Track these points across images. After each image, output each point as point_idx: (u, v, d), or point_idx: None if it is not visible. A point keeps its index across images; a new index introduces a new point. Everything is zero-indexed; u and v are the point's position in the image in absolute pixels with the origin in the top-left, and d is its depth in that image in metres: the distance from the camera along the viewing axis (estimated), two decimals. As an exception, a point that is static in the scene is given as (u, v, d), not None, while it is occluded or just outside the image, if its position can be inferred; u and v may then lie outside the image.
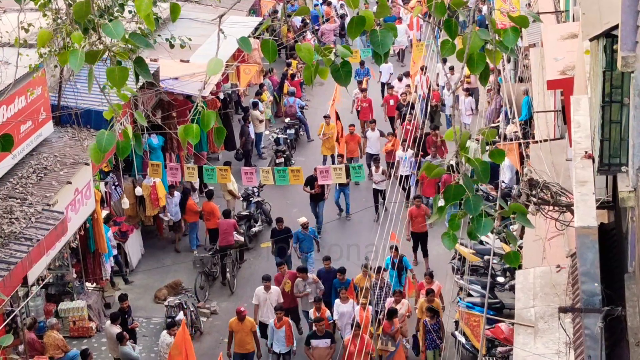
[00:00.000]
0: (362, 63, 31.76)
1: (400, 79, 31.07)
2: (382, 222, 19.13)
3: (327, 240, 23.62)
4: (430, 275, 19.42)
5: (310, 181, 23.43)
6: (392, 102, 29.29)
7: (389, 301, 18.70)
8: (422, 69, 28.74)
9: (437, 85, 30.19)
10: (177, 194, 23.25)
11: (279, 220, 21.92)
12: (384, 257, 19.21)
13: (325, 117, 26.65)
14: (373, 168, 24.94)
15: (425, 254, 22.39)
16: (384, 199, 23.96)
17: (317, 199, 23.99)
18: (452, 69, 28.61)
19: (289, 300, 19.57)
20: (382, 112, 30.05)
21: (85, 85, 18.77)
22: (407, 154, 24.40)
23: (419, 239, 22.44)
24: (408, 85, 29.72)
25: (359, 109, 29.28)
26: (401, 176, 24.32)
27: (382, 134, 26.86)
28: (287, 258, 21.49)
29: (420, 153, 24.44)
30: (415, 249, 22.59)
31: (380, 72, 32.14)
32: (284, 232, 21.75)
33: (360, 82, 31.47)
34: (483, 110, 29.00)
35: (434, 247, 22.21)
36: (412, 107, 24.80)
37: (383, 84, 31.90)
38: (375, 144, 26.50)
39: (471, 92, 29.14)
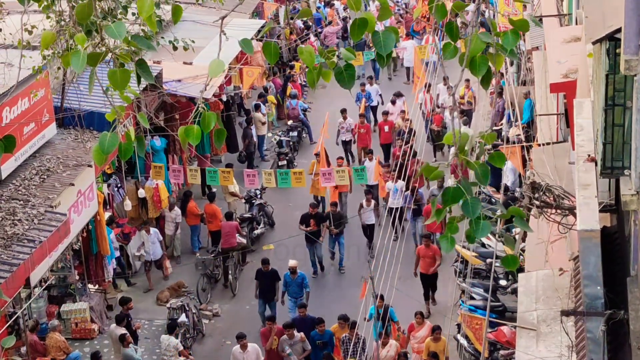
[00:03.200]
0: (362, 84, 30.34)
1: (393, 102, 29.11)
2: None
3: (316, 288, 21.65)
4: (421, 315, 18.23)
5: (306, 219, 22.05)
6: (386, 128, 27.34)
7: (374, 347, 17.13)
8: (425, 86, 27.51)
9: (439, 106, 28.78)
10: (154, 231, 21.65)
11: (265, 263, 20.17)
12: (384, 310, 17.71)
13: (316, 154, 24.14)
14: (364, 200, 22.87)
15: (434, 289, 20.77)
16: (372, 235, 22.85)
17: (313, 240, 21.94)
18: (450, 87, 28.03)
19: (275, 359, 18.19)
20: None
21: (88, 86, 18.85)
22: (398, 184, 22.61)
23: (429, 283, 20.59)
24: (403, 111, 28.08)
25: (356, 135, 27.45)
26: (391, 209, 22.06)
27: (382, 165, 24.97)
28: (274, 308, 20.07)
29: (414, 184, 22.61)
30: (426, 296, 20.70)
31: (369, 94, 30.45)
32: (269, 274, 20.16)
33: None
34: (485, 113, 29.00)
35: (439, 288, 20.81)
36: (409, 133, 23.10)
37: (370, 107, 30.18)
38: (372, 175, 23.91)
39: (466, 114, 27.70)
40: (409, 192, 22.12)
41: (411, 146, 22.47)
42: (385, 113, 27.74)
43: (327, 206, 23.96)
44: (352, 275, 22.13)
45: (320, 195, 24.50)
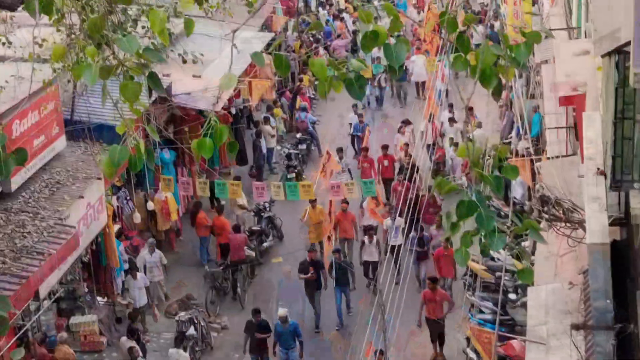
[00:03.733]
0: (360, 116, 29.11)
1: (402, 132, 27.56)
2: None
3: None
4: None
5: (304, 266, 20.75)
6: (386, 162, 25.86)
7: None
8: (429, 116, 26.06)
9: (442, 135, 27.46)
10: (141, 276, 20.53)
11: (257, 312, 19.09)
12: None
13: (311, 201, 22.22)
14: (366, 238, 21.85)
15: (442, 342, 19.67)
16: (374, 273, 21.42)
17: (312, 289, 20.67)
18: (452, 120, 27.45)
19: None
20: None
21: (98, 99, 18.90)
22: (397, 222, 21.53)
23: (436, 329, 19.44)
24: (406, 144, 26.57)
25: (359, 169, 26.22)
26: (392, 247, 20.40)
27: (384, 204, 23.68)
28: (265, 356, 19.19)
29: (421, 225, 21.68)
30: (433, 340, 19.61)
31: (351, 123, 29.21)
32: (260, 325, 19.11)
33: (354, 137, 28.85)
34: (495, 126, 28.98)
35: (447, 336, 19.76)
36: (413, 169, 22.06)
37: (353, 137, 28.97)
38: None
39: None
40: (414, 232, 21.18)
41: (411, 179, 21.18)
42: (385, 147, 26.18)
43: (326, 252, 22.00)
44: (354, 323, 20.40)
45: (319, 241, 22.71)
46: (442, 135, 27.43)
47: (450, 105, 28.64)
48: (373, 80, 32.45)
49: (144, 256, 21.14)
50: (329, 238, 21.69)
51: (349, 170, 26.18)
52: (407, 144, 26.52)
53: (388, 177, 25.71)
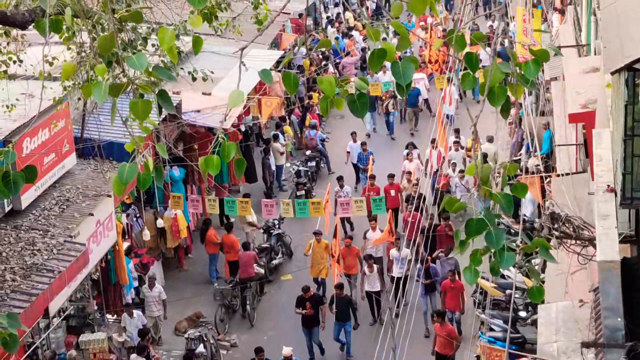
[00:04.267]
0: (363, 144, 28.17)
1: (409, 158, 26.75)
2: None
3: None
4: None
5: (301, 301, 20.15)
6: (392, 192, 24.89)
7: None
8: (432, 142, 25.68)
9: (449, 161, 26.67)
10: (138, 314, 19.83)
11: (259, 351, 18.52)
12: None
13: (315, 233, 21.89)
14: (366, 268, 21.10)
15: None
16: (378, 304, 21.20)
17: (310, 325, 20.09)
18: (457, 142, 27.03)
19: None
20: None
21: (108, 117, 18.92)
22: (403, 253, 20.90)
23: None
24: (409, 173, 25.88)
25: (365, 197, 24.50)
26: (397, 279, 20.23)
27: (392, 235, 22.35)
28: None
29: (427, 257, 21.09)
30: None
31: (349, 152, 28.16)
32: None
33: (358, 170, 28.10)
34: (504, 143, 28.96)
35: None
36: (420, 199, 21.70)
37: (354, 166, 28.20)
38: (370, 245, 22.32)
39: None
40: (420, 265, 20.59)
41: (419, 209, 20.94)
42: (391, 176, 25.35)
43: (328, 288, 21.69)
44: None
45: (321, 278, 22.20)
46: (449, 161, 26.70)
47: (457, 131, 28.05)
48: (380, 105, 32.03)
49: (143, 290, 20.76)
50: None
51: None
52: (410, 172, 25.81)
53: (395, 207, 24.67)
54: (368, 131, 31.96)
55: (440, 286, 20.55)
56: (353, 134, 28.41)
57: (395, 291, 19.88)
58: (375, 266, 21.05)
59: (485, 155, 27.14)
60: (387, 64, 5.09)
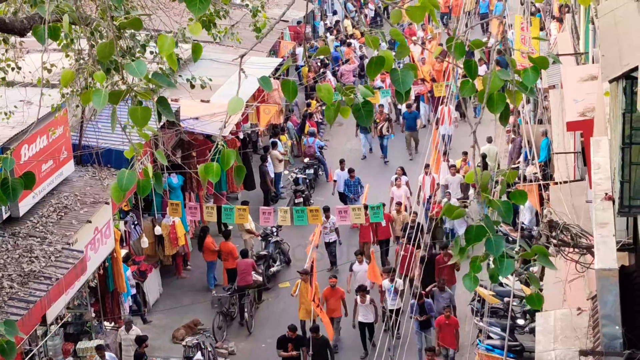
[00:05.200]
0: (350, 171, 26.39)
1: (397, 184, 25.24)
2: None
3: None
4: None
5: (284, 342, 19.42)
6: (383, 222, 23.20)
7: None
8: (425, 167, 24.56)
9: (443, 185, 25.37)
10: (110, 356, 18.72)
11: None
12: None
13: (301, 272, 20.51)
14: (358, 297, 20.25)
15: None
16: (371, 335, 20.51)
17: None
18: (453, 167, 25.84)
19: None
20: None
21: (106, 124, 18.98)
22: (396, 283, 20.10)
23: None
24: (399, 203, 24.24)
25: (357, 227, 23.99)
26: (389, 311, 19.75)
27: (384, 271, 21.45)
28: None
29: (421, 290, 20.18)
30: None
31: (336, 180, 26.77)
32: None
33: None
34: (503, 151, 28.99)
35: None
36: (417, 229, 20.95)
37: (341, 195, 26.64)
38: (362, 279, 21.28)
39: (463, 190, 25.50)
40: (414, 300, 19.61)
41: (413, 241, 19.99)
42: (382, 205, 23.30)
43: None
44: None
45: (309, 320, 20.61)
46: (445, 186, 25.42)
47: (464, 153, 27.24)
48: (374, 129, 30.29)
49: (120, 334, 20.05)
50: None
51: (336, 230, 23.74)
52: (399, 203, 24.23)
53: (385, 239, 23.60)
54: (364, 154, 30.83)
55: (435, 322, 19.75)
56: (342, 162, 27.00)
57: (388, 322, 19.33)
58: (367, 297, 20.24)
59: (484, 157, 27.14)
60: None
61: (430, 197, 24.57)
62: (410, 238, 20.25)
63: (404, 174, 25.92)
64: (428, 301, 20.01)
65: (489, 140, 27.26)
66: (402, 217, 23.77)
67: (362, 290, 20.36)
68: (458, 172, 25.85)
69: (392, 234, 23.87)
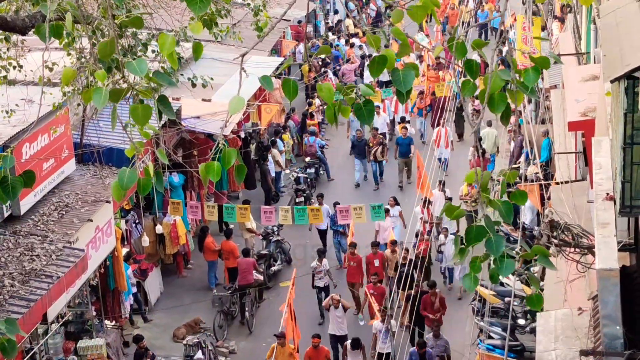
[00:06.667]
0: (336, 204, 22.60)
1: (387, 211, 22.45)
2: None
3: None
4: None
5: None
6: (376, 262, 21.64)
7: None
8: (422, 200, 22.80)
9: (431, 221, 23.33)
10: None
11: None
12: None
13: (277, 336, 18.60)
14: (347, 343, 19.10)
15: None
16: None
17: None
18: (449, 199, 23.60)
19: None
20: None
21: (107, 123, 18.98)
22: (389, 324, 18.96)
23: None
24: (394, 242, 22.24)
25: (346, 268, 22.26)
26: (379, 355, 18.72)
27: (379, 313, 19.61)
28: None
29: (411, 326, 19.38)
30: None
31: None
32: None
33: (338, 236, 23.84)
34: (504, 151, 28.98)
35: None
36: (413, 266, 19.60)
37: (321, 234, 24.46)
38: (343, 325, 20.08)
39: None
40: (415, 348, 18.53)
41: (404, 282, 18.62)
42: (375, 244, 22.15)
43: None
44: None
45: None
46: (437, 224, 23.70)
47: (442, 183, 24.95)
48: (368, 153, 28.53)
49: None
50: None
51: (329, 273, 21.83)
52: (394, 242, 22.17)
53: (379, 280, 21.28)
54: (357, 181, 28.92)
55: None
56: (320, 196, 24.61)
57: None
58: (361, 345, 19.08)
59: (480, 139, 27.05)
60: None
61: (429, 230, 22.69)
62: (401, 278, 18.90)
63: (397, 204, 24.21)
64: (430, 351, 18.51)
65: (489, 123, 27.11)
66: (396, 257, 21.63)
67: (320, 253, 21.09)
68: (463, 198, 23.70)
69: (384, 275, 21.83)
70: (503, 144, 28.35)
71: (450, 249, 21.74)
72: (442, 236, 22.67)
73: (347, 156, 30.49)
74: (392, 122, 31.31)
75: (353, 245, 21.98)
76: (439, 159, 26.10)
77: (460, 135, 30.83)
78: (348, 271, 22.01)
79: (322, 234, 24.41)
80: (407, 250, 21.00)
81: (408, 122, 29.83)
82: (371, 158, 28.53)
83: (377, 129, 29.15)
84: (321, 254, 22.08)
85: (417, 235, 21.50)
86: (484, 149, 27.66)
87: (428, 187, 23.01)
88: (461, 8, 39.44)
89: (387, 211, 22.36)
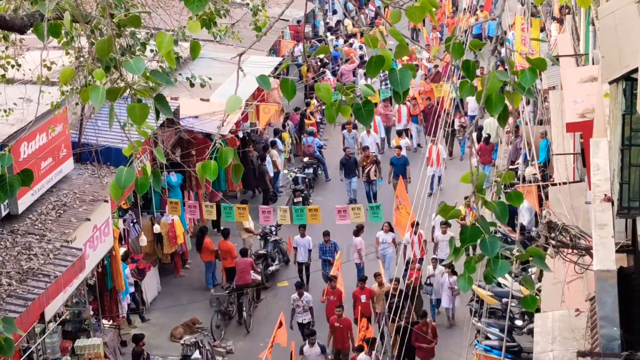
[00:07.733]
0: (325, 234, 22.79)
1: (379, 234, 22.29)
2: None
3: None
4: None
5: None
6: (363, 298, 20.40)
7: None
8: (412, 225, 21.43)
9: (432, 241, 22.64)
10: None
11: None
12: None
13: (330, 279, 19.05)
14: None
15: None
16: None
17: None
18: (445, 224, 22.23)
19: None
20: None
21: (106, 122, 18.97)
22: (373, 356, 18.13)
23: None
24: (379, 273, 21.16)
25: (324, 302, 20.77)
26: None
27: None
28: None
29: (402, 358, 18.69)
30: None
31: (295, 247, 23.18)
32: None
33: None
34: (502, 152, 28.97)
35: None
36: (405, 297, 18.88)
37: (300, 265, 23.25)
38: None
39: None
40: None
41: (394, 313, 18.13)
42: (362, 280, 21.02)
43: None
44: None
45: None
46: (435, 245, 22.65)
47: (416, 224, 22.12)
48: (362, 173, 27.32)
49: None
50: None
51: (310, 310, 20.76)
52: (379, 273, 21.15)
53: (367, 317, 20.09)
54: (350, 199, 27.42)
55: None
56: (302, 227, 22.75)
57: None
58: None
59: (480, 128, 27.02)
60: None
61: (421, 259, 21.85)
62: (391, 309, 18.50)
63: (391, 229, 22.82)
64: None
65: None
66: (384, 290, 20.47)
67: (298, 286, 20.52)
68: (463, 219, 20.67)
69: (372, 312, 20.71)
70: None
71: (446, 278, 21.01)
72: (430, 267, 21.63)
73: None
74: (383, 141, 30.98)
75: (333, 278, 20.75)
76: (432, 177, 26.01)
77: (451, 154, 30.27)
78: (327, 305, 20.66)
79: (301, 267, 23.32)
80: (397, 280, 19.81)
81: (406, 131, 29.85)
82: (364, 179, 27.25)
83: (367, 148, 27.81)
84: (299, 287, 20.96)
85: (407, 264, 20.83)
86: (488, 135, 27.63)
87: (404, 227, 21.76)
88: (459, 16, 39.32)
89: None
